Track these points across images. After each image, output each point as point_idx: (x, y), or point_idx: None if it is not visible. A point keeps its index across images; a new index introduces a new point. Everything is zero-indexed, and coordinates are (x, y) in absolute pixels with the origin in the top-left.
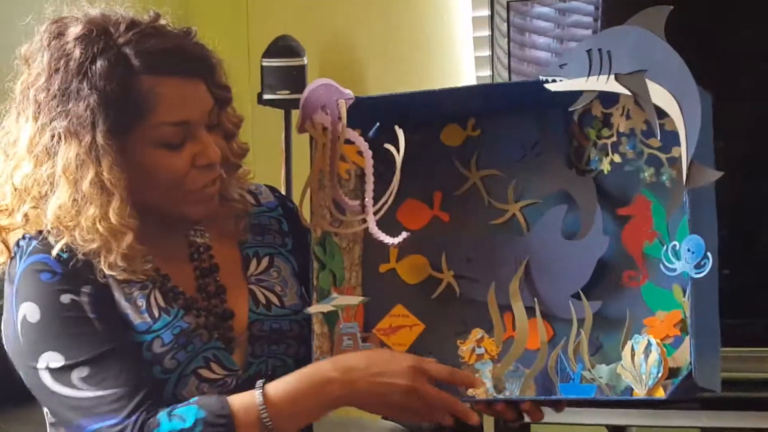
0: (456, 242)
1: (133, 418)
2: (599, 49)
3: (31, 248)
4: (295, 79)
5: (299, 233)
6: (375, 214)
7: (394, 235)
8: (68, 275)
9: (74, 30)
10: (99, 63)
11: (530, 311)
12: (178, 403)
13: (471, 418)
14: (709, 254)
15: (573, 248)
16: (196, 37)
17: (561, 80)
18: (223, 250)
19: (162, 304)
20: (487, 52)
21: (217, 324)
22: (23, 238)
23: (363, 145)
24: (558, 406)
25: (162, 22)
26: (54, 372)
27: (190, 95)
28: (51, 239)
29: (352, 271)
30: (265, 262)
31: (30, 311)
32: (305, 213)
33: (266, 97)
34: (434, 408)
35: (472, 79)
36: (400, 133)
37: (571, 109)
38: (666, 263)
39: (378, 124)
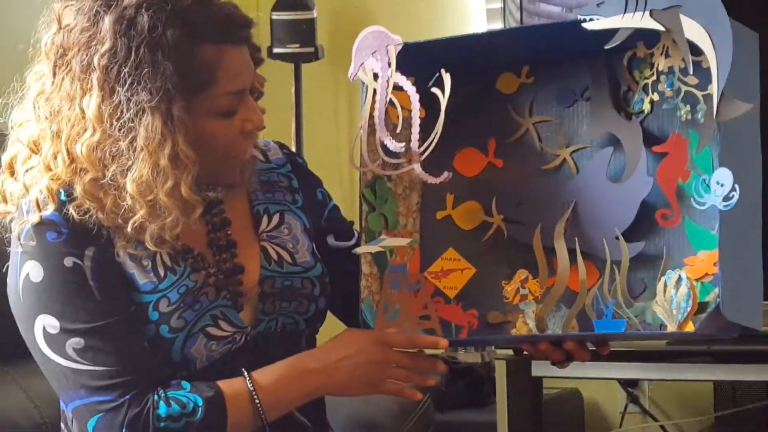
0: (508, 187)
1: (128, 397)
2: None
3: (40, 203)
4: (305, 32)
5: (309, 189)
6: (420, 156)
7: (450, 182)
8: (74, 235)
9: None
10: (169, 32)
11: (575, 253)
12: (187, 362)
13: (438, 367)
14: (736, 186)
15: (618, 190)
16: None
17: (598, 19)
18: (233, 205)
19: (168, 263)
20: (498, 4)
21: (226, 281)
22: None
23: (410, 89)
24: (602, 347)
25: None
26: (49, 337)
27: (244, 63)
28: (63, 196)
29: (408, 218)
30: (275, 218)
31: (34, 270)
32: (356, 158)
33: (276, 51)
34: (407, 374)
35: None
36: (447, 78)
37: (606, 47)
38: (696, 198)
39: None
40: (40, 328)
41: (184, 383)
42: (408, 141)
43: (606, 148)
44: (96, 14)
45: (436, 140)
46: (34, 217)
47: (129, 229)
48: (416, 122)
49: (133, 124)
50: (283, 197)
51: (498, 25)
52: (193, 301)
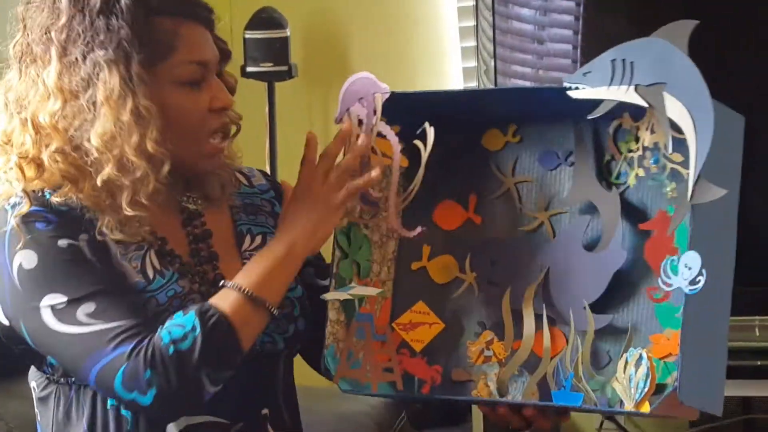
0: (483, 245)
1: (139, 344)
2: (623, 60)
3: (22, 204)
4: (279, 51)
5: None
6: (397, 209)
7: (428, 234)
8: (64, 223)
9: None
10: (123, 1)
11: (546, 319)
12: None
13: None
14: (704, 271)
15: (591, 260)
16: None
17: (584, 88)
18: (215, 220)
19: (157, 266)
20: (471, 22)
21: (210, 291)
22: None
23: (393, 139)
24: (562, 416)
25: None
26: (57, 311)
27: (205, 39)
28: (47, 194)
29: (383, 266)
30: (258, 239)
31: (26, 258)
32: None
33: (249, 69)
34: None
35: (457, 48)
36: (430, 131)
37: (590, 117)
38: (663, 278)
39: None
40: (47, 308)
41: (176, 314)
42: (387, 190)
43: (583, 216)
44: (54, 1)
45: (414, 193)
46: (19, 210)
47: (98, 182)
48: (396, 173)
49: (91, 79)
50: (265, 220)
51: (471, 43)
52: (180, 305)
